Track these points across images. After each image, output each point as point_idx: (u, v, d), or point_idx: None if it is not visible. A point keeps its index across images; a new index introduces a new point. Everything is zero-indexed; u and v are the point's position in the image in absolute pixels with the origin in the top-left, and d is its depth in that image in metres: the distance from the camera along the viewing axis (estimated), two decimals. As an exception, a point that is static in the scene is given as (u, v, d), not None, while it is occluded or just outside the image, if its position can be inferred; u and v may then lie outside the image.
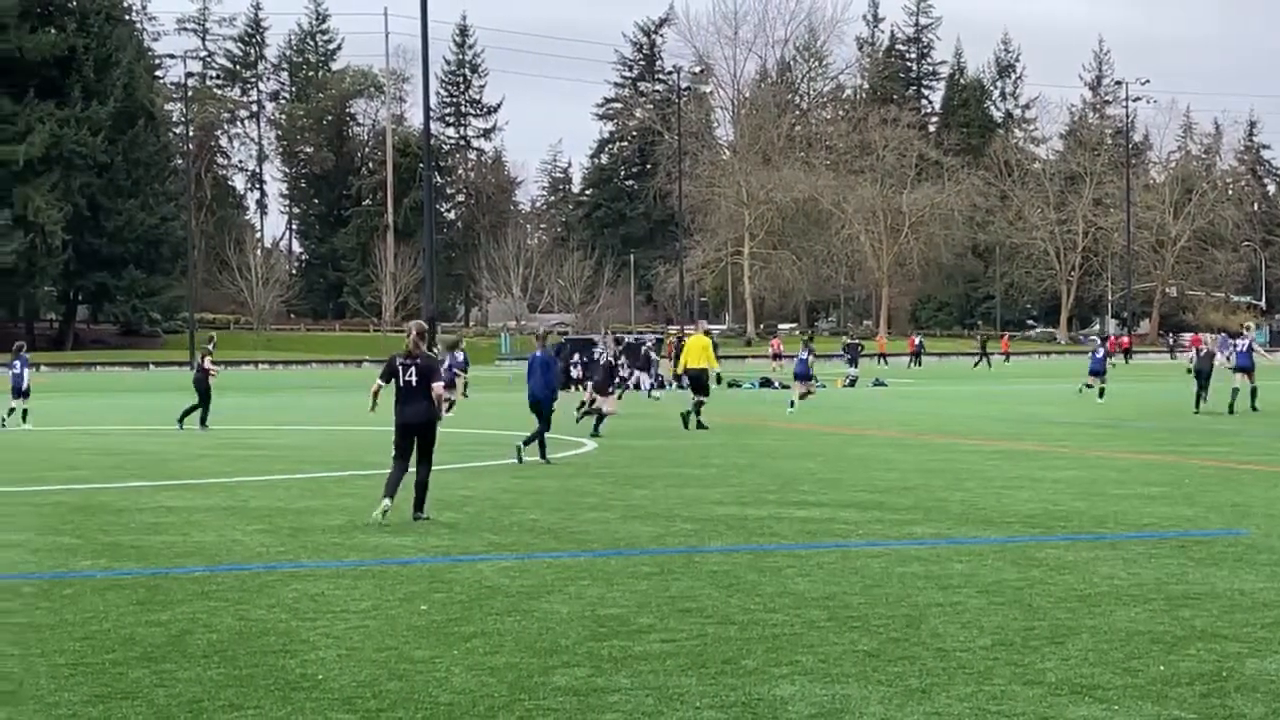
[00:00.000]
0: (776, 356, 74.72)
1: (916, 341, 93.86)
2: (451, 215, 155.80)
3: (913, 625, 9.43)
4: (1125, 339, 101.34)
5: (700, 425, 29.47)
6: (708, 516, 15.34)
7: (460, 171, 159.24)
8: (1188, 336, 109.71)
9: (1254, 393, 34.35)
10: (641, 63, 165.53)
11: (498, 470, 21.26)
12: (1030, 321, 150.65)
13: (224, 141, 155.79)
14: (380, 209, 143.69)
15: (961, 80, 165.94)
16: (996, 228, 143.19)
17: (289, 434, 31.13)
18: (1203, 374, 34.60)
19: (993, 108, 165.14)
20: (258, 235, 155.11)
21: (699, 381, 30.33)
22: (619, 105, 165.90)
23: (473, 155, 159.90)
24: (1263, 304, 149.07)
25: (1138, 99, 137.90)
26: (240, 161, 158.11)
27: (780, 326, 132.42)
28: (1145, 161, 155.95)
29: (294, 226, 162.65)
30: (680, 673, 8.17)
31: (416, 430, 15.17)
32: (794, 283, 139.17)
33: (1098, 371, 41.71)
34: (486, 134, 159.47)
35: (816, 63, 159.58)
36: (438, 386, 15.24)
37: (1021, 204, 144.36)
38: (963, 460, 22.30)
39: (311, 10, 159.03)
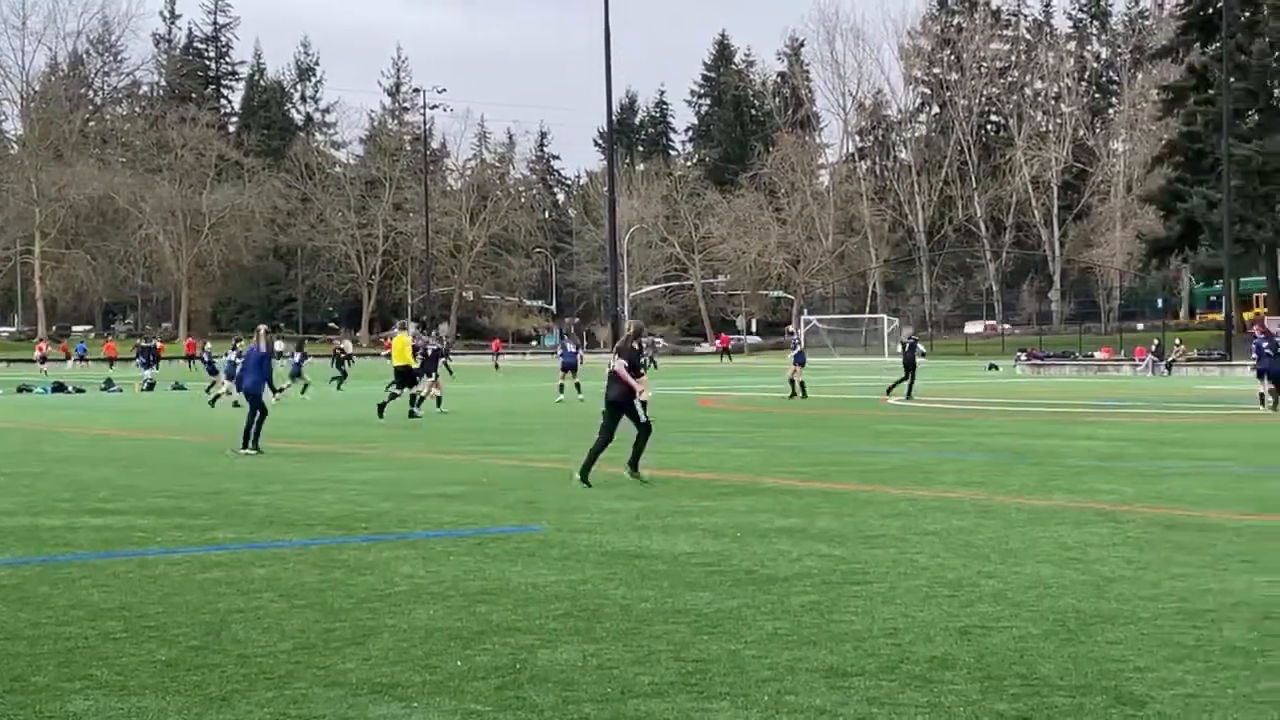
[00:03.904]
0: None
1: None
2: None
3: (213, 633, 9.26)
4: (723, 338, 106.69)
5: (413, 414, 33.58)
6: (-5, 528, 14.57)
7: None
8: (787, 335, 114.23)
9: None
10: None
11: None
12: (332, 325, 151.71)
13: None
14: None
15: (261, 81, 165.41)
16: (298, 230, 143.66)
17: None
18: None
19: (293, 110, 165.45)
20: None
21: (405, 375, 34.39)
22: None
23: None
24: (554, 308, 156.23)
25: (435, 107, 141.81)
26: None
27: (75, 329, 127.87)
28: (443, 168, 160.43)
29: None
30: (-38, 696, 7.69)
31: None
32: (89, 283, 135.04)
33: (801, 361, 44.96)
34: None
35: (111, 58, 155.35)
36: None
37: (323, 207, 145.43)
38: (269, 464, 22.16)
39: None
